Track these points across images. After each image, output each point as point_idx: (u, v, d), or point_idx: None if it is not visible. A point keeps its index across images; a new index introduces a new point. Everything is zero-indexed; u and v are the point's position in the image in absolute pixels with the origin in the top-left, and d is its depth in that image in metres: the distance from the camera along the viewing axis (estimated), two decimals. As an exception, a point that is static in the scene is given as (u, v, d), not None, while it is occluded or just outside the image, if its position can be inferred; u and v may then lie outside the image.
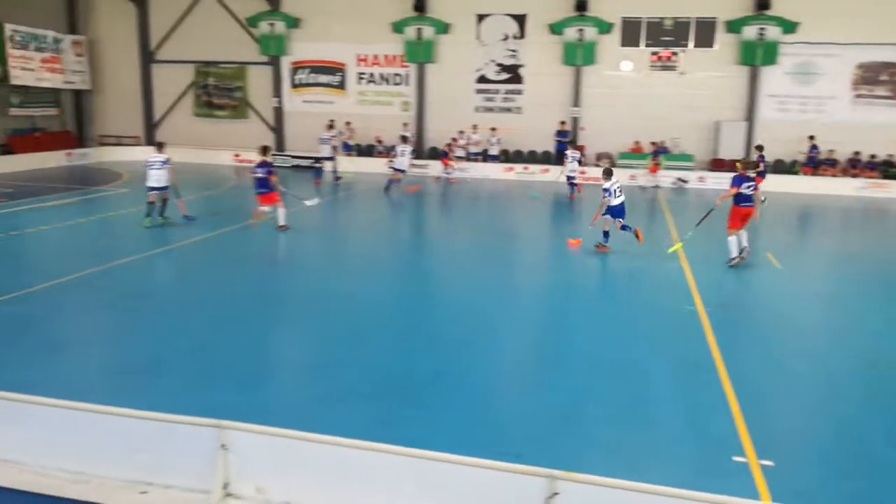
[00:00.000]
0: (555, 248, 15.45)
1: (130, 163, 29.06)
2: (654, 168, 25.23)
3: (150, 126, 31.85)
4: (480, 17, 27.86)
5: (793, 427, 6.75)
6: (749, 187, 12.78)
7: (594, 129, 27.56)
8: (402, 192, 22.40)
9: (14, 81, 27.16)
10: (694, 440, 6.30)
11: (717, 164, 26.15)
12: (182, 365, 7.80)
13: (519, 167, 27.31)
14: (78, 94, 31.50)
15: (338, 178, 25.10)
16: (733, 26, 25.82)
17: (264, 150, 15.82)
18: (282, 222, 15.54)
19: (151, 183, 15.68)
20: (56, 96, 30.21)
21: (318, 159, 25.94)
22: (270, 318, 9.79)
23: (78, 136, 31.54)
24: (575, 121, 27.56)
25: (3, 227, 15.27)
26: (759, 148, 21.88)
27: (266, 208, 15.52)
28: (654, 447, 6.16)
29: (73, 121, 31.64)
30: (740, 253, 13.00)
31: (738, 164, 13.69)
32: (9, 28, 26.67)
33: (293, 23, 29.37)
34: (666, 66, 26.81)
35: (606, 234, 14.22)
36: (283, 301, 10.67)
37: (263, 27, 29.50)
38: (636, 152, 26.87)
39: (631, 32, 26.88)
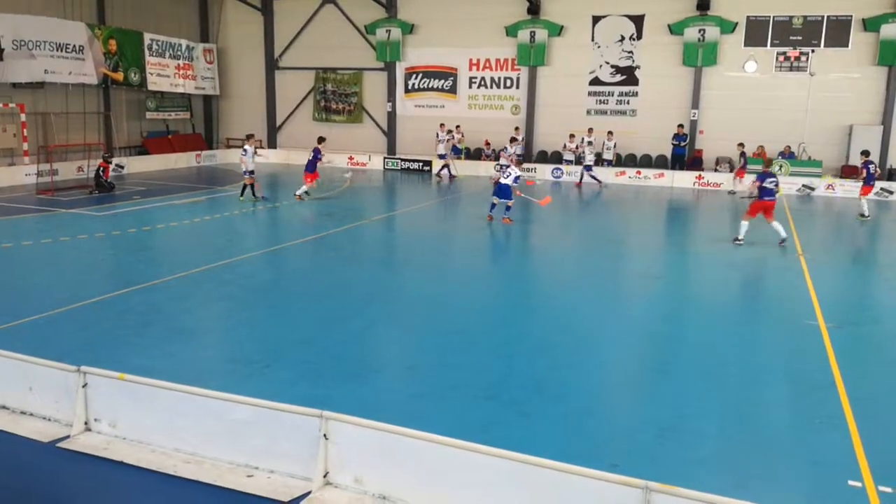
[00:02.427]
0: (662, 253, 14.96)
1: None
2: (741, 172, 24.00)
3: (273, 130, 33.37)
4: (596, 19, 27.38)
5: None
6: (772, 182, 14.61)
7: (714, 133, 26.48)
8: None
9: (151, 87, 29.19)
10: (807, 461, 5.93)
11: (848, 172, 24.44)
12: (291, 356, 8.11)
13: (631, 171, 26.60)
14: (207, 99, 33.46)
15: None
16: (871, 24, 24.09)
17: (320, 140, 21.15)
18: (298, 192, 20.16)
19: (246, 168, 19.60)
20: (187, 101, 32.22)
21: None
22: (376, 315, 10.02)
23: (206, 139, 33.49)
24: (693, 124, 26.58)
25: (136, 222, 16.44)
26: (865, 153, 20.36)
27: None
28: (763, 466, 5.83)
29: (203, 124, 33.62)
30: (781, 242, 14.72)
31: (764, 164, 15.90)
32: (147, 37, 28.70)
33: (409, 29, 29.97)
34: (794, 66, 25.37)
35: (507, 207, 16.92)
36: (389, 300, 10.89)
37: (381, 34, 30.27)
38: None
39: (756, 32, 25.62)
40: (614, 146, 26.59)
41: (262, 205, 19.36)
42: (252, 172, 19.65)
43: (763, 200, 14.61)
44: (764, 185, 14.59)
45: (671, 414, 6.77)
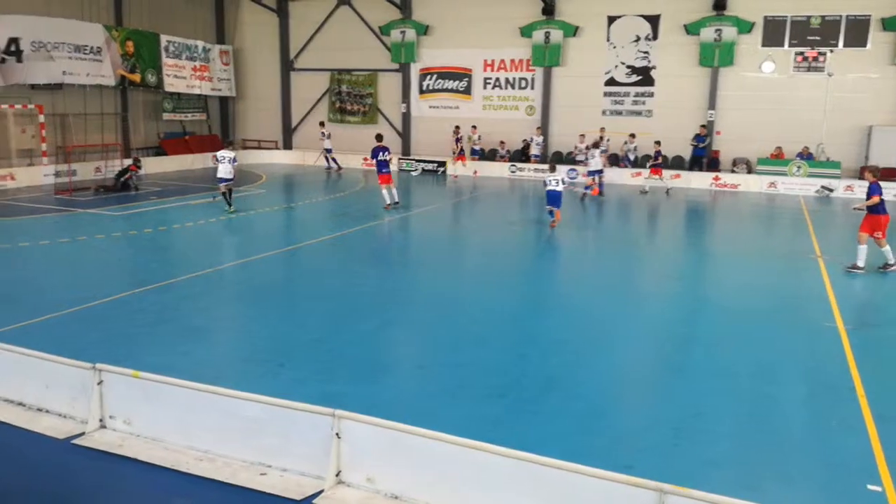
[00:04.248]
0: (680, 254, 14.86)
1: (269, 165, 30.74)
2: (657, 170, 23.78)
3: (288, 131, 33.49)
4: (611, 19, 27.25)
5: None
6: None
7: (731, 134, 26.24)
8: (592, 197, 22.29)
9: (168, 88, 29.39)
10: (824, 465, 5.85)
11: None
12: (304, 355, 8.12)
13: (647, 172, 26.35)
14: (223, 101, 33.63)
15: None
16: (890, 24, 23.77)
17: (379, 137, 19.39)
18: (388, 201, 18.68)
19: (220, 175, 17.81)
20: (204, 102, 32.40)
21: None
22: (389, 314, 10.01)
23: (222, 140, 33.64)
24: (710, 124, 26.36)
25: (152, 222, 16.55)
26: None
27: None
28: (778, 469, 5.75)
29: (219, 125, 33.81)
30: (885, 266, 12.81)
31: (868, 174, 13.25)
32: (164, 39, 28.90)
33: (423, 30, 29.99)
34: (812, 66, 25.11)
35: (551, 212, 16.61)
36: (402, 299, 10.87)
37: (395, 35, 30.30)
38: (777, 158, 25.33)
39: (773, 32, 25.38)
40: (635, 148, 26.36)
41: (270, 206, 19.42)
42: (229, 180, 17.90)
43: (881, 215, 12.53)
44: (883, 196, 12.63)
45: (686, 414, 6.71)
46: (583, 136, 26.93)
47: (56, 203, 19.41)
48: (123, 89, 27.67)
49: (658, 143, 23.87)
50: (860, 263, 12.58)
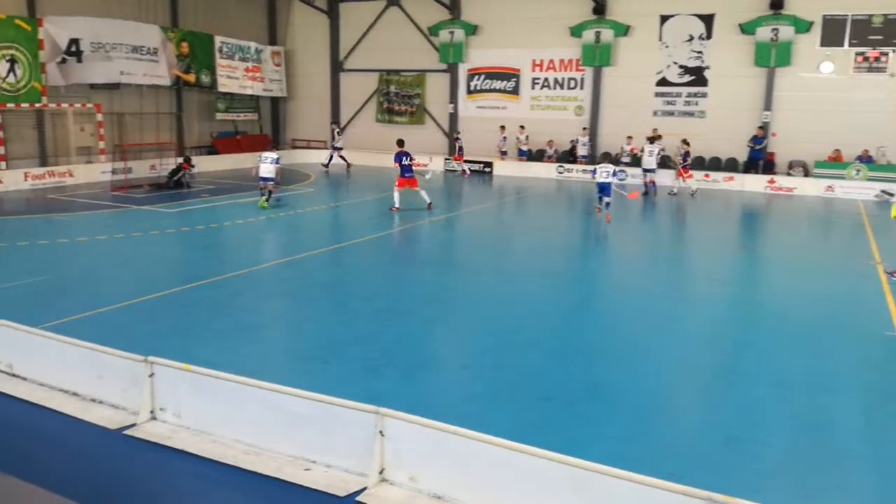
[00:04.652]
0: (732, 258, 14.51)
1: (318, 165, 31.05)
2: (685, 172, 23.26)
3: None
4: (664, 18, 26.77)
5: None
6: None
7: (787, 136, 25.51)
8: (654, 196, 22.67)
9: (221, 89, 29.97)
10: (883, 477, 5.62)
11: (931, 176, 23.27)
12: (348, 352, 8.16)
13: (699, 174, 25.83)
14: (274, 101, 34.14)
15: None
16: (957, 21, 22.88)
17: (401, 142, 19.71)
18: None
19: (262, 174, 18.38)
20: (255, 102, 32.92)
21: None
22: (433, 313, 10.02)
23: (273, 140, 34.18)
24: (766, 126, 25.70)
25: (204, 219, 16.88)
26: None
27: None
28: (835, 482, 5.55)
29: (270, 125, 34.34)
30: None
31: None
32: (218, 40, 29.49)
33: (472, 30, 29.95)
34: (873, 67, 24.26)
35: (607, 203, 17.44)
36: (446, 298, 10.86)
37: (444, 35, 30.34)
38: (835, 161, 24.55)
39: (833, 31, 24.60)
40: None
41: (318, 205, 19.62)
42: (270, 179, 18.36)
43: None
44: None
45: (736, 422, 6.53)
46: (630, 137, 26.63)
47: (112, 199, 19.96)
48: (178, 89, 28.34)
49: (687, 143, 23.43)
50: None
